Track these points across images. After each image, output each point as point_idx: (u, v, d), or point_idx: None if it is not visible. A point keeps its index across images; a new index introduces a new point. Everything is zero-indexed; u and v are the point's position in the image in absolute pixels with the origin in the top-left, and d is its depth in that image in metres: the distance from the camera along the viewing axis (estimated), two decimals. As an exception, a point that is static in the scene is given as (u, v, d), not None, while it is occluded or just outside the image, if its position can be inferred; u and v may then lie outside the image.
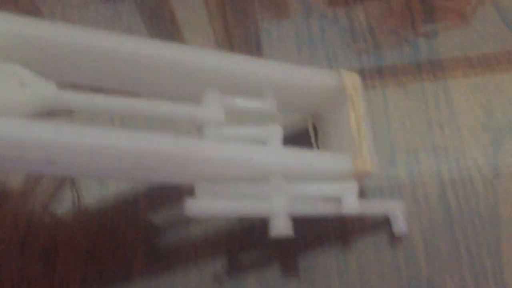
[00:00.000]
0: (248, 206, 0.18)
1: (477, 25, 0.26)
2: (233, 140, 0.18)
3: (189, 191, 0.18)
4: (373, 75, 0.25)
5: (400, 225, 0.21)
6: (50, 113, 0.17)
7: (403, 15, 0.26)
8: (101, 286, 0.20)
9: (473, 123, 0.24)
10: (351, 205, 0.19)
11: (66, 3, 0.29)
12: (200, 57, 0.19)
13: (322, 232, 0.22)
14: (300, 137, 0.22)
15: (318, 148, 0.23)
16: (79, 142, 0.16)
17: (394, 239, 0.21)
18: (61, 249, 0.21)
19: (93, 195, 0.22)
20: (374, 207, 0.21)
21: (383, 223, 0.22)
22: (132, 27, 0.28)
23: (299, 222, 0.19)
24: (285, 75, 0.20)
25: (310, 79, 0.21)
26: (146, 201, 0.22)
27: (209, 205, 0.18)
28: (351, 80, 0.21)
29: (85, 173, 0.18)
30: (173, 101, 0.19)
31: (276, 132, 0.19)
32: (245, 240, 0.21)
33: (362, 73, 0.25)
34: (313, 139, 0.23)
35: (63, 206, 0.22)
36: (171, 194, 0.22)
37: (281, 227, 0.18)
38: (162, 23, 0.28)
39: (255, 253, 0.21)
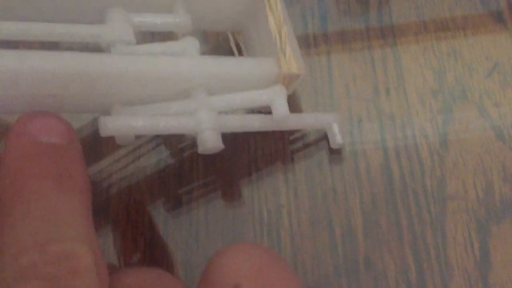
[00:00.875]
0: (170, 122, 0.17)
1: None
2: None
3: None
4: (318, 39, 0.23)
5: (336, 137, 0.20)
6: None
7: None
8: None
9: (423, 88, 0.22)
10: (282, 110, 0.18)
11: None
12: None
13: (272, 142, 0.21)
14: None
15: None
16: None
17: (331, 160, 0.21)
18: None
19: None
20: (307, 119, 0.20)
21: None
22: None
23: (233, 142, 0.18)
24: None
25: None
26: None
27: (127, 122, 0.16)
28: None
29: None
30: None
31: (192, 45, 0.18)
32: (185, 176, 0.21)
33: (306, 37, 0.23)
34: (236, 56, 0.22)
35: None
36: (92, 162, 0.21)
37: (210, 141, 0.17)
38: None
39: (197, 184, 0.21)
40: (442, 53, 0.23)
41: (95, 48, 0.17)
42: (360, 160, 0.21)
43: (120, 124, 0.16)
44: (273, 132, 0.21)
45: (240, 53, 0.22)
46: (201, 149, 0.17)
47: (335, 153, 0.21)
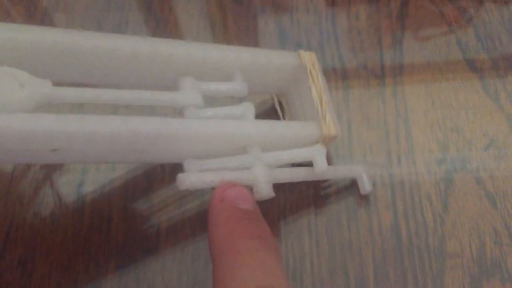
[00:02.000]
0: (232, 176, 0.20)
1: (441, 64, 0.28)
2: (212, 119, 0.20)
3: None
4: (340, 110, 0.26)
5: (365, 185, 0.24)
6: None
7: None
8: None
9: (429, 158, 0.25)
10: (322, 165, 0.22)
11: (69, 9, 0.31)
12: (174, 47, 0.21)
13: (298, 198, 0.24)
14: (268, 115, 0.25)
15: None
16: (78, 129, 0.17)
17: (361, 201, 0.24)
18: (37, 260, 0.22)
19: (70, 209, 0.24)
20: (342, 171, 0.23)
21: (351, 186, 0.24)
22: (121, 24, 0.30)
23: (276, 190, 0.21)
24: (251, 58, 0.23)
25: (273, 60, 0.23)
26: (119, 218, 0.23)
27: (199, 178, 0.19)
28: (309, 58, 0.23)
29: (84, 159, 0.19)
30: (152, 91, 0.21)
31: (249, 109, 0.22)
32: None
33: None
34: (280, 116, 0.26)
35: (42, 220, 0.23)
36: (143, 213, 0.23)
37: (263, 191, 0.20)
38: (166, 30, 0.30)
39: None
40: (447, 128, 0.26)
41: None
42: (374, 219, 0.24)
43: (195, 180, 0.19)
44: (300, 184, 0.24)
45: (282, 111, 0.26)
46: (256, 197, 0.20)
47: (364, 198, 0.24)
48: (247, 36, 0.30)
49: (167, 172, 0.24)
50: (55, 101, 0.18)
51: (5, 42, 0.18)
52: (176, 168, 0.24)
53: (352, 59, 0.28)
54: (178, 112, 0.21)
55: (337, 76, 0.28)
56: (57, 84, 0.18)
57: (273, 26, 0.30)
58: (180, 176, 0.19)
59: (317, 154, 0.22)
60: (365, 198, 0.24)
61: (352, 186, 0.24)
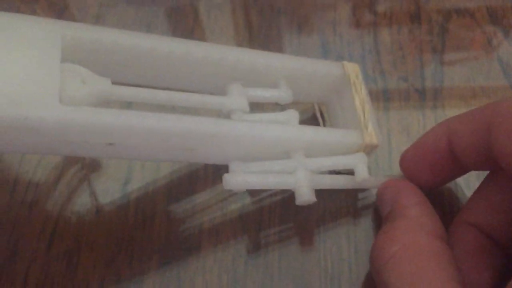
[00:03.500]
0: (275, 179, 0.21)
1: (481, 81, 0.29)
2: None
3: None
4: (380, 116, 0.27)
5: None
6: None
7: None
8: None
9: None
10: (363, 173, 0.22)
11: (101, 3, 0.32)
12: (225, 52, 0.22)
13: (337, 207, 0.24)
14: (310, 124, 0.24)
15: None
16: (136, 125, 0.18)
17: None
18: (83, 253, 0.23)
19: (116, 206, 0.25)
20: (382, 181, 0.23)
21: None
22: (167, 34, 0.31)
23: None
24: (297, 66, 0.23)
25: (318, 69, 0.24)
26: (162, 217, 0.24)
27: (244, 180, 0.20)
28: (353, 69, 0.24)
29: (136, 155, 0.20)
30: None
31: (293, 115, 0.22)
32: (263, 221, 0.24)
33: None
34: (321, 124, 0.26)
35: (88, 215, 0.24)
36: (185, 212, 0.24)
37: (305, 196, 0.21)
38: (200, 38, 0.31)
39: (274, 231, 0.24)
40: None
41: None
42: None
43: (240, 180, 0.20)
44: (339, 195, 0.24)
45: (323, 120, 0.26)
46: (298, 202, 0.21)
47: None
48: (290, 46, 0.31)
49: (210, 174, 0.25)
50: (113, 98, 0.19)
51: (69, 41, 0.19)
52: (219, 170, 0.24)
53: (393, 72, 0.29)
54: (225, 116, 0.21)
55: (378, 88, 0.28)
56: (115, 83, 0.20)
57: (315, 38, 0.31)
58: (226, 177, 0.20)
59: (359, 162, 0.22)
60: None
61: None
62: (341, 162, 0.22)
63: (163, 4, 0.33)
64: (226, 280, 0.22)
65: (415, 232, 0.19)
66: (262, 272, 0.23)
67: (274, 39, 0.31)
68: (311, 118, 0.27)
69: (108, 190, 0.25)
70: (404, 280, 0.17)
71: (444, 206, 0.24)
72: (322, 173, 0.22)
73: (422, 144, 0.21)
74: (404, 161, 0.22)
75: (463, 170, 0.21)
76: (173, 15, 0.32)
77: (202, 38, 0.31)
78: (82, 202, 0.24)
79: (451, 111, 0.27)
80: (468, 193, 0.24)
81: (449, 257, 0.18)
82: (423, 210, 0.20)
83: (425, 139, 0.21)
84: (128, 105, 0.25)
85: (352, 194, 0.24)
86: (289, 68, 0.23)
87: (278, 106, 0.24)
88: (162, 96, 0.20)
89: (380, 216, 0.23)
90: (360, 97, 0.23)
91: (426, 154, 0.21)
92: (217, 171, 0.25)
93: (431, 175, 0.21)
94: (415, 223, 0.19)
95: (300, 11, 0.32)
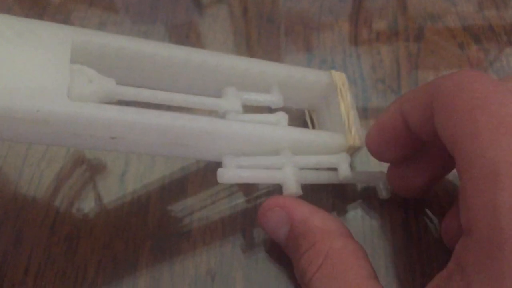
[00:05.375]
0: (265, 174, 0.23)
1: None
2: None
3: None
4: (360, 115, 0.29)
5: (383, 191, 0.25)
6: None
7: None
8: (112, 271, 0.24)
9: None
10: (346, 171, 0.24)
11: (101, 22, 0.35)
12: (222, 59, 0.24)
13: (324, 201, 0.26)
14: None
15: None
16: (136, 120, 0.20)
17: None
18: (82, 238, 0.25)
19: (113, 195, 0.26)
20: (363, 176, 0.26)
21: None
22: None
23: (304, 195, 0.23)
24: (289, 74, 0.25)
25: (308, 77, 0.26)
26: (156, 205, 0.26)
27: (236, 173, 0.22)
28: (340, 77, 0.26)
29: (137, 149, 0.21)
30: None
31: (283, 117, 0.24)
32: (251, 209, 0.26)
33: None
34: (310, 127, 0.28)
35: (87, 203, 0.26)
36: (177, 201, 0.26)
37: (292, 189, 0.22)
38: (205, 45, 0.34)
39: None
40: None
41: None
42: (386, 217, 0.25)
43: (233, 174, 0.22)
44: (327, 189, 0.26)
45: (312, 124, 0.28)
46: (285, 194, 0.23)
47: (383, 204, 0.26)
48: (277, 52, 0.33)
49: (201, 168, 0.27)
50: (117, 97, 0.21)
51: (79, 45, 0.21)
52: (210, 166, 0.26)
53: (371, 75, 0.31)
54: (220, 116, 0.23)
55: (358, 89, 0.30)
56: (119, 84, 0.21)
57: (301, 44, 0.33)
58: (220, 171, 0.22)
59: (342, 162, 0.24)
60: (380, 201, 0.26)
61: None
62: (326, 160, 0.24)
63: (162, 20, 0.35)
64: (214, 262, 0.24)
65: (330, 239, 0.20)
66: (247, 255, 0.24)
67: (263, 44, 0.33)
68: (303, 123, 0.29)
69: (106, 180, 0.27)
70: (334, 285, 0.19)
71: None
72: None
73: (381, 123, 0.22)
74: (368, 140, 0.23)
75: (420, 143, 0.21)
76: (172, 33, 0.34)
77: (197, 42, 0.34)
78: (82, 192, 0.26)
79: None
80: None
81: (364, 254, 0.20)
82: (321, 216, 0.21)
83: (383, 118, 0.22)
84: (129, 104, 0.27)
85: (338, 191, 0.26)
86: (281, 75, 0.25)
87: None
88: (162, 96, 0.22)
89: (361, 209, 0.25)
90: (345, 103, 0.25)
91: (386, 131, 0.21)
92: (208, 165, 0.27)
93: (394, 150, 0.22)
94: (325, 232, 0.20)
95: (287, 20, 0.35)
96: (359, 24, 0.34)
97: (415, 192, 0.24)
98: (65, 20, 0.35)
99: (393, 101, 0.22)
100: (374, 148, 0.23)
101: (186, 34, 0.34)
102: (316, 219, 0.21)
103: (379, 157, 0.23)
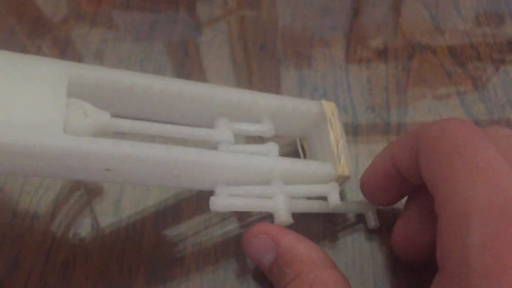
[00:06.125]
0: (257, 202, 0.23)
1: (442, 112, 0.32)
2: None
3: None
4: (350, 142, 0.30)
5: (372, 221, 0.26)
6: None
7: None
8: None
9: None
10: (335, 201, 0.24)
11: (103, 43, 0.35)
12: (214, 91, 0.25)
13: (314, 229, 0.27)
14: (292, 155, 0.27)
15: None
16: (130, 153, 0.21)
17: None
18: (78, 265, 0.25)
19: (108, 222, 0.27)
20: (353, 206, 0.26)
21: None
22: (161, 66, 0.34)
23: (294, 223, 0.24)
24: (280, 104, 0.26)
25: (299, 107, 0.26)
26: (151, 232, 0.27)
27: (229, 202, 0.23)
28: (330, 107, 0.27)
29: (131, 180, 0.22)
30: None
31: (274, 148, 0.25)
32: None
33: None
34: (302, 156, 0.29)
35: (83, 229, 0.27)
36: (171, 228, 0.27)
37: (282, 217, 0.23)
38: (191, 71, 0.34)
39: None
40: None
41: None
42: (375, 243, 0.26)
43: (225, 202, 0.23)
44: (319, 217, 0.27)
45: (304, 153, 0.29)
46: (276, 222, 0.23)
47: (372, 232, 0.26)
48: (270, 79, 0.33)
49: (195, 194, 0.27)
50: (112, 130, 0.22)
51: (76, 79, 0.22)
52: (203, 193, 0.27)
53: (361, 103, 0.32)
54: (212, 146, 0.24)
55: (348, 117, 0.31)
56: (114, 116, 0.22)
57: (293, 71, 0.34)
58: (213, 199, 0.23)
59: (332, 191, 0.24)
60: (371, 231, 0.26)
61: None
62: (316, 190, 0.24)
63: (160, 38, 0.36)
64: (207, 287, 0.25)
65: (316, 270, 0.20)
66: (240, 281, 0.25)
67: (255, 72, 0.34)
68: (294, 151, 0.29)
69: (102, 207, 0.27)
70: None
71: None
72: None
73: (373, 169, 0.23)
74: (362, 185, 0.24)
75: (410, 187, 0.22)
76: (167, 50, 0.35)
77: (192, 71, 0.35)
78: (78, 219, 0.27)
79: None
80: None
81: (348, 285, 0.21)
82: (306, 245, 0.22)
83: (374, 164, 0.23)
84: (124, 135, 0.28)
85: (329, 219, 0.27)
86: (272, 106, 0.26)
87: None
88: (156, 128, 0.23)
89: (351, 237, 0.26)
90: (335, 132, 0.26)
91: (378, 177, 0.23)
92: (201, 192, 0.27)
93: (386, 195, 0.23)
94: (311, 261, 0.21)
95: (280, 47, 0.35)
96: (349, 52, 0.35)
97: (422, 253, 0.23)
98: (67, 38, 0.36)
99: (383, 148, 0.23)
100: (367, 192, 0.24)
101: (182, 56, 0.35)
102: (302, 248, 0.22)
103: (373, 200, 0.25)
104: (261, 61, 0.35)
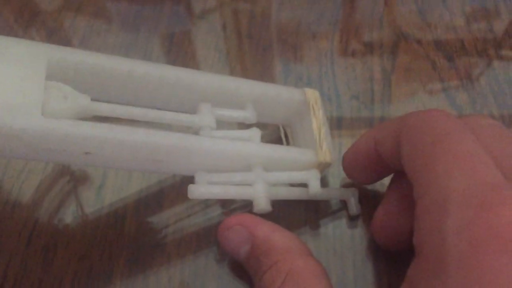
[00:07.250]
0: (236, 190, 0.23)
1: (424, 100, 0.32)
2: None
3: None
4: (333, 130, 0.30)
5: (353, 208, 0.26)
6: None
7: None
8: (87, 282, 0.24)
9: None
10: (315, 188, 0.24)
11: (89, 30, 0.35)
12: (197, 77, 0.25)
13: (296, 217, 0.27)
14: (275, 143, 0.27)
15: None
16: (109, 136, 0.21)
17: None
18: (59, 249, 0.25)
19: (90, 208, 0.27)
20: (334, 192, 0.26)
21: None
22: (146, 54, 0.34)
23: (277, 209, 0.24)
24: (263, 91, 0.26)
25: (282, 94, 0.27)
26: (132, 218, 0.27)
27: (207, 190, 0.23)
28: (313, 95, 0.27)
29: (111, 164, 0.22)
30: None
31: (256, 133, 0.25)
32: None
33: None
34: (284, 143, 0.29)
35: (65, 214, 0.27)
36: (153, 214, 0.27)
37: (262, 205, 0.23)
38: (175, 58, 0.34)
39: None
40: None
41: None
42: (356, 230, 0.26)
43: (204, 190, 0.23)
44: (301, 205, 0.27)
45: (287, 140, 0.29)
46: (255, 210, 0.23)
47: (354, 219, 0.26)
48: (256, 67, 0.33)
49: (178, 182, 0.28)
50: (92, 113, 0.22)
51: (56, 62, 0.22)
52: (186, 179, 0.27)
53: (346, 92, 0.32)
54: (194, 132, 0.24)
55: (332, 105, 0.31)
56: (94, 100, 0.22)
57: (278, 60, 0.34)
58: (191, 187, 0.22)
59: (312, 178, 0.24)
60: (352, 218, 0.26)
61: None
62: (296, 177, 0.25)
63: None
64: (188, 273, 0.25)
65: (291, 258, 0.21)
66: (221, 267, 0.25)
67: (240, 60, 0.34)
68: (278, 139, 0.29)
69: (85, 193, 0.27)
70: None
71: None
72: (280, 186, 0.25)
73: (356, 148, 0.24)
74: (344, 163, 0.25)
75: (390, 170, 0.23)
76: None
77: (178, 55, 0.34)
78: (60, 204, 0.27)
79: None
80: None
81: (324, 272, 0.21)
82: (282, 234, 0.22)
83: (358, 144, 0.24)
84: (106, 120, 0.28)
85: (312, 206, 0.27)
86: (255, 92, 0.26)
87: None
88: (137, 112, 0.23)
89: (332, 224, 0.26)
90: (317, 120, 0.26)
91: (360, 157, 0.23)
92: (184, 180, 0.27)
93: (366, 174, 0.24)
94: (287, 250, 0.21)
95: (266, 36, 0.35)
96: (335, 42, 0.35)
97: (402, 240, 0.23)
98: (53, 26, 0.35)
99: (367, 131, 0.24)
100: (348, 169, 0.25)
101: (168, 44, 0.35)
102: (278, 237, 0.22)
103: (353, 177, 0.25)
104: (248, 49, 0.35)
